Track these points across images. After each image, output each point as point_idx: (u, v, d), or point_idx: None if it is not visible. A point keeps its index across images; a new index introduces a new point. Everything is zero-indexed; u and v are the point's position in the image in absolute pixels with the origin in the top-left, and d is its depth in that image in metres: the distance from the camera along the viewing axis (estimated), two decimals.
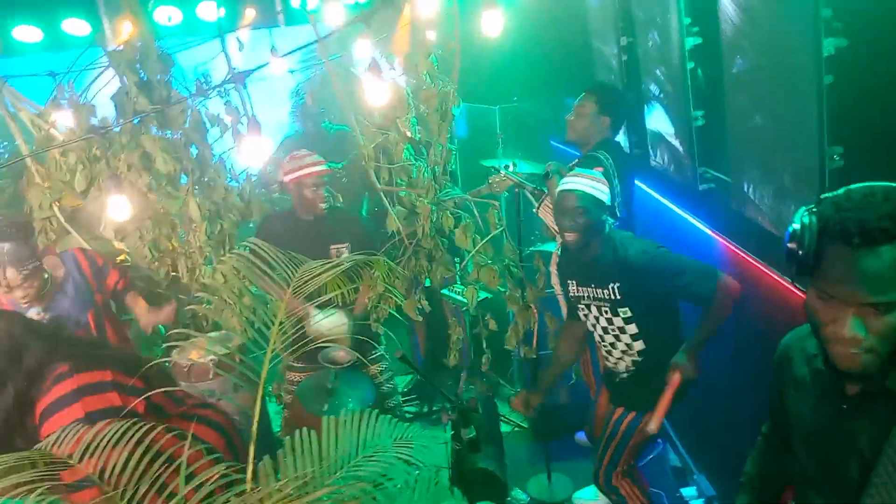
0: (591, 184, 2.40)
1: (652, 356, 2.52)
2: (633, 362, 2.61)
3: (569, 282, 2.66)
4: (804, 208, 1.13)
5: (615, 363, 2.67)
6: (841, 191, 1.10)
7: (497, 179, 3.31)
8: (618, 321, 2.54)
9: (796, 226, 1.11)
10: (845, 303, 1.06)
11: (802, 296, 2.04)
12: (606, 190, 2.42)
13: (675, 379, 2.38)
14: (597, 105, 3.03)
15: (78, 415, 1.68)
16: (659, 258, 2.38)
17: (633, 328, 2.52)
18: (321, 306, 2.49)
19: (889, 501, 1.08)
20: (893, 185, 1.06)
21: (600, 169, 2.53)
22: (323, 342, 2.53)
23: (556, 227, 3.07)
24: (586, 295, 2.59)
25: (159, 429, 1.54)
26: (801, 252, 1.09)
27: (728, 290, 2.31)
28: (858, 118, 1.67)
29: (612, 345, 2.61)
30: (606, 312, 2.55)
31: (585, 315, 2.66)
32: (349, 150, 4.35)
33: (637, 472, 2.83)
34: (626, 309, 2.48)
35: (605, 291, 2.49)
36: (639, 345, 2.55)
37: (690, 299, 2.44)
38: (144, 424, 1.61)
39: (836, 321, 1.08)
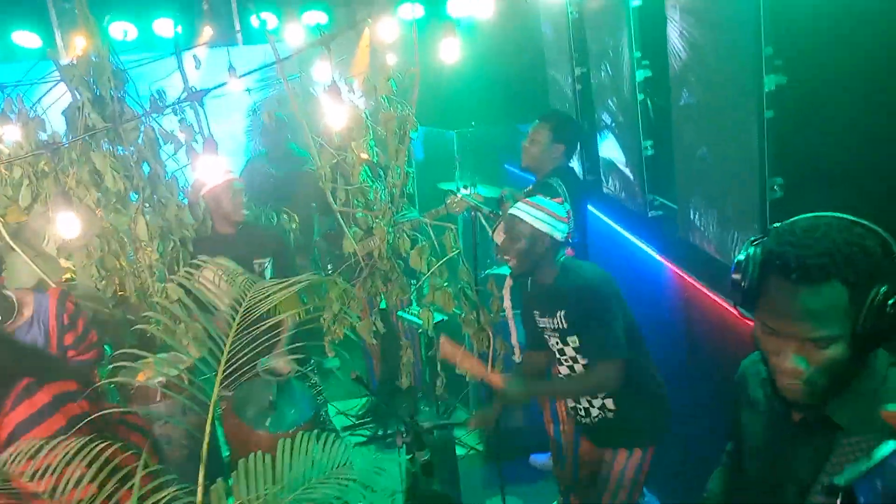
0: (538, 215, 2.37)
1: (623, 387, 2.39)
2: (603, 397, 2.51)
3: (534, 312, 2.62)
4: (751, 239, 1.14)
5: (576, 400, 2.60)
6: (787, 223, 1.11)
7: (454, 201, 3.34)
8: (569, 350, 2.51)
9: (741, 257, 1.12)
10: (786, 336, 1.08)
11: (745, 320, 2.13)
12: (559, 224, 2.38)
13: (494, 382, 2.49)
14: (551, 132, 3.07)
15: (60, 423, 1.68)
16: (592, 298, 2.32)
17: (583, 359, 2.48)
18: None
19: None
20: (838, 218, 1.07)
21: (560, 200, 2.50)
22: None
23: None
24: (545, 325, 2.56)
25: (112, 448, 1.51)
26: (743, 283, 1.11)
27: (611, 373, 2.29)
28: (798, 151, 1.76)
29: (570, 373, 2.56)
30: (558, 343, 2.53)
31: (551, 345, 2.62)
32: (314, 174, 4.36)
33: None
34: (574, 337, 2.44)
35: (554, 321, 2.47)
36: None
37: (582, 353, 2.43)
38: (96, 443, 1.58)
39: (779, 354, 1.10)
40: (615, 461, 2.48)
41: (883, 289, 1.01)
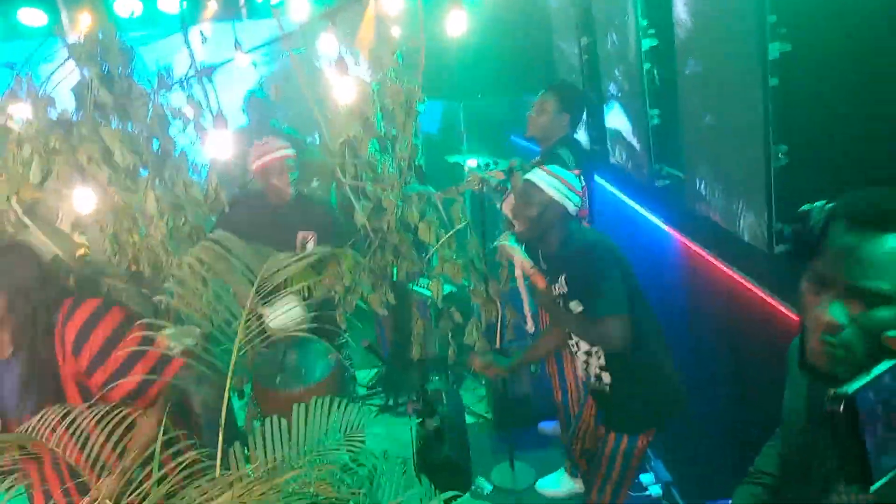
0: (553, 183, 2.36)
1: (617, 362, 2.40)
2: (601, 368, 2.49)
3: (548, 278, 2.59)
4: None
5: (585, 367, 2.57)
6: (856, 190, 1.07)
7: (474, 179, 3.36)
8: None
9: (807, 207, 1.10)
10: (832, 285, 1.02)
11: (752, 288, 2.16)
12: (573, 195, 2.36)
13: (482, 364, 2.62)
14: (558, 102, 3.08)
15: (116, 321, 1.86)
16: (590, 259, 2.31)
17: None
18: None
19: None
20: None
21: (577, 172, 2.48)
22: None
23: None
24: (555, 292, 2.55)
25: (135, 415, 1.58)
26: (806, 227, 1.08)
27: (613, 330, 2.21)
28: (802, 118, 1.77)
29: (576, 344, 2.55)
30: (563, 305, 2.48)
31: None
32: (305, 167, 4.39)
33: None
34: (576, 302, 2.40)
35: (558, 286, 2.46)
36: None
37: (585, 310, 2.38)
38: (119, 410, 1.65)
39: (819, 305, 1.03)
40: (608, 442, 2.46)
41: None
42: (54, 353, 1.85)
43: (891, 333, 0.93)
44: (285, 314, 2.94)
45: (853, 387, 0.85)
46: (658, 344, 2.41)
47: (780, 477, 1.39)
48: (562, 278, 2.43)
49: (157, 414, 1.84)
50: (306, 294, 2.03)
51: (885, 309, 0.98)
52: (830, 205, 1.07)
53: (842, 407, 0.85)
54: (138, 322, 1.93)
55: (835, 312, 1.01)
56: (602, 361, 2.45)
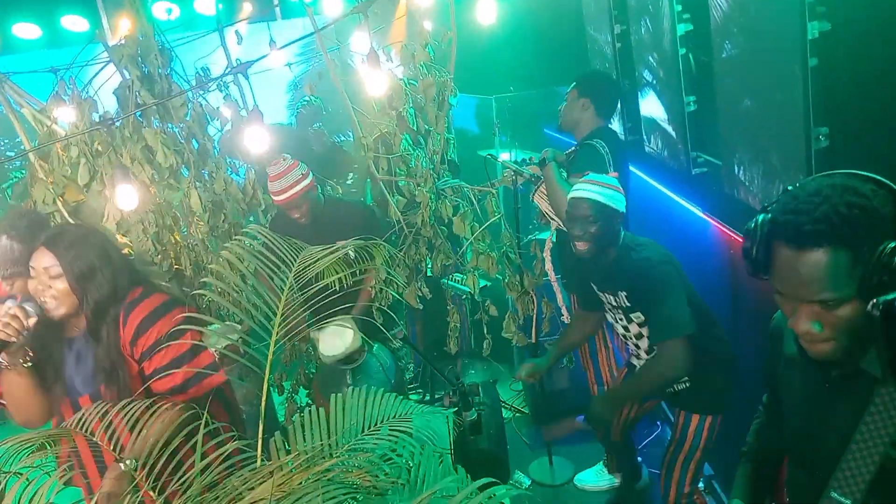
0: (604, 192, 2.35)
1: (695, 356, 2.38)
2: None
3: (592, 284, 2.63)
4: (763, 205, 1.17)
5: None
6: (797, 185, 1.13)
7: (509, 175, 3.34)
8: (633, 327, 2.53)
9: (750, 225, 1.15)
10: (796, 300, 1.11)
11: None
12: (621, 197, 2.37)
13: (528, 374, 2.63)
14: (587, 94, 3.03)
15: (171, 324, 1.89)
16: (654, 276, 2.31)
17: (647, 331, 2.49)
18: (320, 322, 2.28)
19: (859, 475, 1.12)
20: (848, 176, 1.08)
21: (615, 174, 2.49)
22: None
23: (550, 214, 3.12)
24: (605, 300, 2.59)
25: (177, 408, 1.62)
26: (752, 250, 1.14)
27: (667, 357, 2.29)
28: (842, 99, 1.72)
29: (636, 347, 2.60)
30: (622, 319, 2.54)
31: (611, 316, 2.65)
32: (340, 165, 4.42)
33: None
34: (639, 313, 2.45)
35: (617, 298, 2.48)
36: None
37: (648, 333, 2.45)
38: (161, 404, 1.69)
39: (793, 316, 1.13)
40: (691, 421, 2.48)
41: (891, 245, 1.00)
42: (118, 339, 1.92)
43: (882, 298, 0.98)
44: (333, 340, 2.99)
45: (890, 296, 0.95)
46: (720, 334, 2.45)
47: (793, 456, 1.43)
48: (622, 295, 2.45)
49: (191, 408, 1.88)
50: (338, 287, 2.04)
51: (847, 306, 1.07)
52: (766, 217, 1.13)
53: (880, 312, 0.94)
54: (185, 315, 1.97)
55: (809, 324, 1.11)
56: None
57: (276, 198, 3.02)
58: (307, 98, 4.57)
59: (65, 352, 1.98)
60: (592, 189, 2.35)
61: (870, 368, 1.15)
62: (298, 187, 2.99)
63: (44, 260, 1.85)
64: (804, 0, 1.63)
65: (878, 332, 0.95)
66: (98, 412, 1.69)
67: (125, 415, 1.69)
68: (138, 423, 1.69)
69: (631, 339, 2.59)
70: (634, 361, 2.68)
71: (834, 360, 1.15)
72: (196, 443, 1.52)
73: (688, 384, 2.45)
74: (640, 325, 2.50)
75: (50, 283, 1.85)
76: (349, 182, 4.70)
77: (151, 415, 1.70)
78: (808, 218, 1.05)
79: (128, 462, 1.66)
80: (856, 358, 1.15)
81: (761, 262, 1.13)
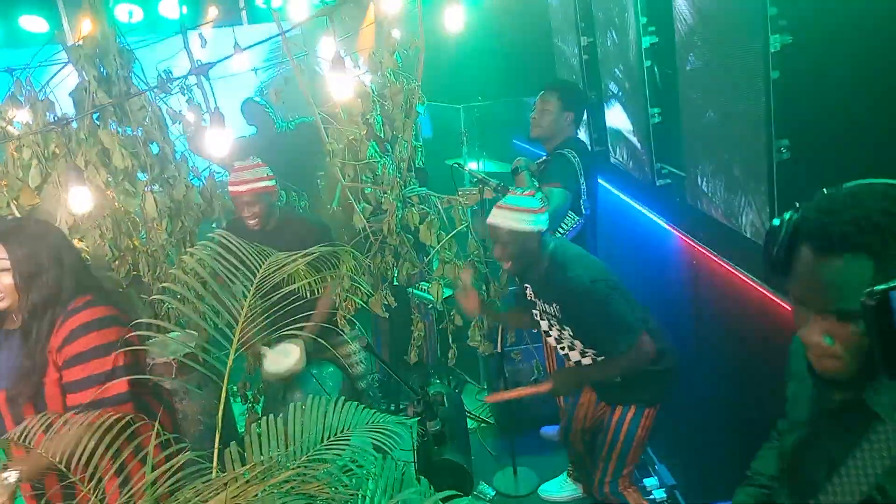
0: (516, 216, 2.38)
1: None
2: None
3: (525, 286, 2.69)
4: (795, 205, 1.09)
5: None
6: (836, 188, 1.05)
7: (466, 193, 3.34)
8: (566, 334, 2.57)
9: (775, 222, 1.08)
10: (812, 309, 1.05)
11: (756, 287, 2.13)
12: (537, 217, 2.38)
13: (542, 388, 2.55)
14: (560, 101, 3.07)
15: (112, 338, 1.85)
16: (591, 295, 2.34)
17: (579, 344, 2.56)
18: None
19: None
20: (890, 185, 1.01)
21: (531, 193, 2.48)
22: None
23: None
24: (538, 306, 2.63)
25: (126, 418, 1.56)
26: (773, 251, 1.07)
27: (640, 354, 2.35)
28: (804, 111, 1.74)
29: (568, 352, 2.64)
30: (556, 325, 2.59)
31: (540, 319, 2.68)
32: (314, 141, 4.34)
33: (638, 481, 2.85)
34: (570, 328, 2.51)
35: (551, 307, 2.53)
36: (592, 353, 2.57)
37: (601, 350, 2.50)
38: (108, 414, 1.63)
39: (805, 326, 1.06)
40: (614, 412, 2.57)
41: None
42: (47, 342, 1.87)
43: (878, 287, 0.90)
44: (278, 359, 2.95)
45: (884, 286, 0.87)
46: (652, 326, 2.48)
47: (781, 476, 1.37)
48: (555, 306, 2.50)
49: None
50: (308, 294, 2.00)
51: (861, 323, 0.96)
52: (795, 216, 1.06)
53: (874, 303, 0.86)
54: (134, 322, 1.91)
55: (821, 336, 1.04)
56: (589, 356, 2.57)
57: (232, 188, 2.99)
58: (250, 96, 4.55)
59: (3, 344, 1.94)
60: (506, 216, 2.40)
61: (872, 403, 1.08)
62: (257, 185, 2.96)
63: None
64: (766, 13, 1.66)
65: (871, 323, 0.88)
66: (38, 427, 1.62)
67: (41, 425, 1.63)
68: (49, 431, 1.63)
69: (564, 344, 2.64)
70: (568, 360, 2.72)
71: (839, 381, 1.08)
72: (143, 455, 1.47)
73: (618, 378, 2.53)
74: (571, 336, 2.55)
75: None
76: (321, 185, 4.64)
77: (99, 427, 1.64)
78: (838, 219, 0.98)
79: (8, 475, 1.61)
80: (861, 385, 1.07)
81: (781, 262, 1.06)
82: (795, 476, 1.28)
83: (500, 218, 2.41)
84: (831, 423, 1.18)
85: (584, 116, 3.22)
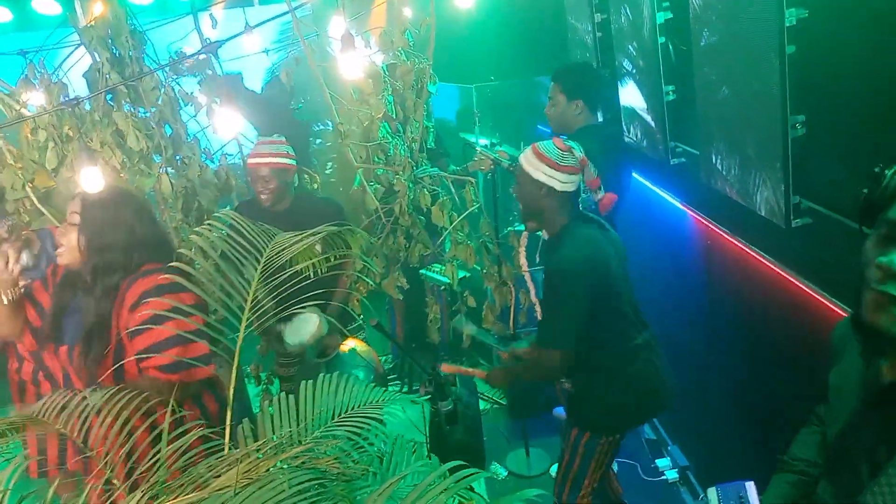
0: (534, 162, 2.23)
1: (576, 369, 2.30)
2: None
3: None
4: None
5: None
6: None
7: (479, 160, 3.30)
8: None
9: (879, 169, 1.04)
10: None
11: (771, 266, 2.10)
12: (562, 173, 2.21)
13: (477, 373, 2.56)
14: (564, 92, 2.96)
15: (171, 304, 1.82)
16: (557, 280, 2.21)
17: None
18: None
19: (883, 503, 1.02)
20: None
21: (567, 148, 2.29)
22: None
23: None
24: None
25: (143, 396, 1.58)
26: (877, 189, 1.03)
27: (547, 361, 2.25)
28: (820, 87, 1.71)
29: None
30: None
31: None
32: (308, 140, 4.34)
33: (613, 481, 2.79)
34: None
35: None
36: None
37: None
38: (128, 392, 1.65)
39: (887, 254, 0.99)
40: (571, 434, 2.45)
41: None
42: (112, 304, 1.91)
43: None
44: (299, 328, 2.95)
45: None
46: (622, 348, 2.33)
47: (824, 463, 1.32)
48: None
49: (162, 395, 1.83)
50: (319, 273, 2.00)
51: None
52: None
53: None
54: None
55: None
56: None
57: (251, 160, 3.00)
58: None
59: (73, 301, 2.01)
60: (528, 157, 2.27)
61: None
62: (275, 160, 2.98)
63: (73, 205, 1.97)
64: None
65: None
66: (57, 403, 1.64)
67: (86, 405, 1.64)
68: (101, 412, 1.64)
69: None
70: None
71: (893, 335, 1.00)
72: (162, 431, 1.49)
73: (573, 390, 2.48)
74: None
75: (67, 230, 1.94)
76: (328, 171, 4.65)
77: (116, 404, 1.65)
78: None
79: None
80: None
81: (880, 204, 1.02)
82: (837, 471, 1.22)
83: (522, 157, 2.28)
84: (875, 413, 1.12)
85: (599, 98, 3.10)
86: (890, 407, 1.09)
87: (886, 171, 1.03)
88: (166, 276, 1.85)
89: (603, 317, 2.24)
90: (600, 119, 3.12)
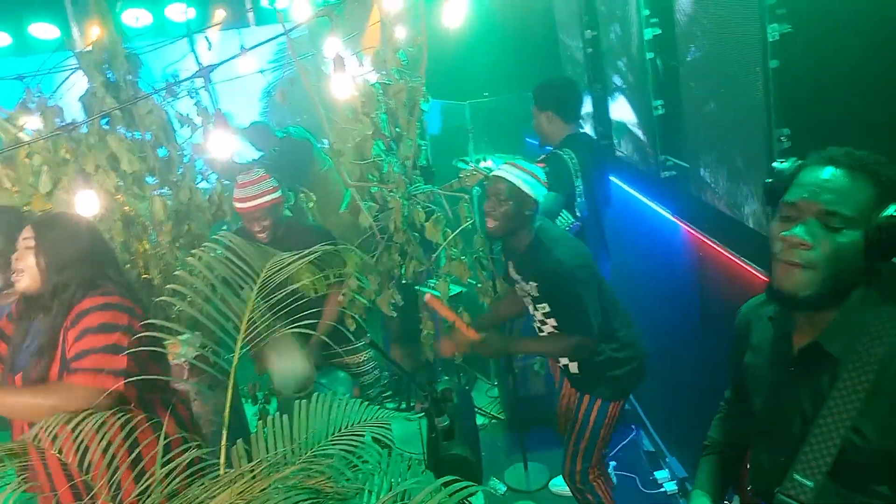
0: (523, 176, 2.40)
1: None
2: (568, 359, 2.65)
3: (508, 262, 2.72)
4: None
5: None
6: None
7: (467, 174, 3.34)
8: (539, 315, 2.61)
9: (777, 163, 1.26)
10: (800, 210, 1.15)
11: (760, 276, 2.12)
12: (541, 187, 2.42)
13: (473, 336, 2.57)
14: (546, 107, 3.09)
15: (124, 321, 1.90)
16: (571, 278, 2.37)
17: (553, 322, 2.58)
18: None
19: (821, 456, 1.15)
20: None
21: (542, 165, 2.55)
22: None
23: None
24: (519, 283, 2.66)
25: (137, 418, 1.59)
26: (778, 177, 1.23)
27: (580, 348, 2.46)
28: (804, 100, 1.73)
29: (540, 330, 2.67)
30: (531, 304, 2.62)
31: (524, 300, 2.72)
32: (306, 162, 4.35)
33: (606, 473, 2.86)
34: (545, 305, 2.54)
35: (528, 287, 2.55)
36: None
37: (557, 324, 2.54)
38: (122, 414, 1.66)
39: (789, 230, 1.15)
40: (582, 402, 2.62)
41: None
42: (62, 322, 1.93)
43: None
44: (285, 368, 2.95)
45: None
46: (620, 326, 2.55)
47: (752, 434, 1.44)
48: (532, 284, 2.52)
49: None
50: (312, 293, 2.02)
51: (845, 234, 1.11)
52: (800, 161, 1.23)
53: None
54: (145, 322, 1.93)
55: (803, 233, 1.13)
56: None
57: (239, 205, 2.97)
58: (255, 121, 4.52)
59: (32, 326, 2.02)
60: (512, 172, 2.41)
61: (827, 346, 1.18)
62: (264, 199, 2.95)
63: (25, 231, 2.00)
64: (764, 2, 1.65)
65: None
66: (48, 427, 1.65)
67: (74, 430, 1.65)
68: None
69: (536, 321, 2.68)
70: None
71: (800, 298, 1.16)
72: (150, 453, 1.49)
73: (578, 371, 2.61)
74: (544, 314, 2.59)
75: (23, 255, 1.96)
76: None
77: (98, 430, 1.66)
78: (850, 148, 1.18)
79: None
80: (822, 301, 1.16)
81: (782, 187, 1.21)
82: (769, 436, 1.35)
83: (507, 173, 2.42)
84: (795, 380, 1.26)
85: (581, 106, 3.18)
86: (807, 368, 1.23)
87: (782, 164, 1.25)
88: (114, 298, 1.93)
89: (603, 297, 2.48)
90: (582, 130, 3.22)
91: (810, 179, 1.17)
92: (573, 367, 2.63)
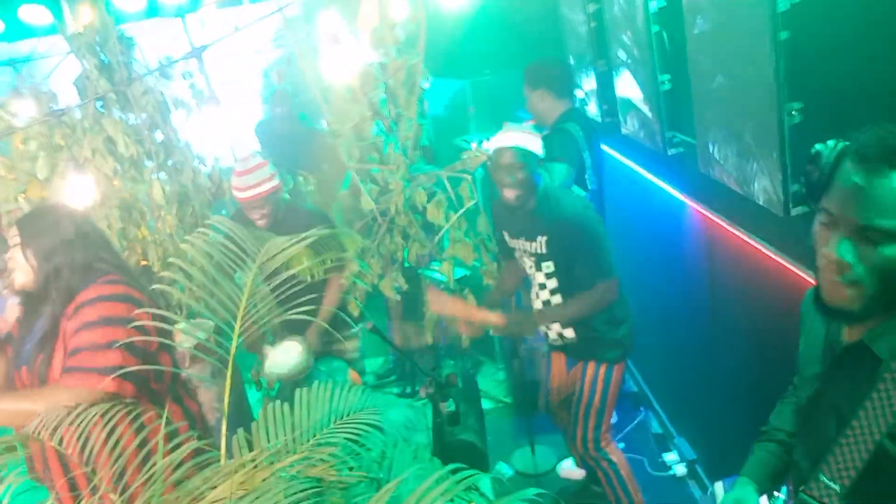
0: (525, 138, 2.44)
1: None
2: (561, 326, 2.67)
3: (504, 232, 2.71)
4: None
5: (545, 331, 2.75)
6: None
7: (470, 155, 3.29)
8: (540, 277, 2.61)
9: (819, 147, 1.10)
10: (840, 223, 1.04)
11: (770, 255, 2.07)
12: (538, 142, 2.47)
13: (494, 320, 2.54)
14: (537, 85, 3.09)
15: (122, 312, 1.86)
16: (586, 224, 2.44)
17: (553, 283, 2.59)
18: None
19: (851, 461, 1.08)
20: None
21: (530, 122, 2.60)
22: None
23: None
24: (518, 247, 2.66)
25: (137, 410, 1.56)
26: (816, 170, 1.09)
27: (605, 293, 2.46)
28: (815, 72, 1.67)
29: (539, 291, 2.66)
30: (532, 266, 2.62)
31: (524, 265, 2.71)
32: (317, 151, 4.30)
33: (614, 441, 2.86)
34: (550, 263, 2.55)
35: (534, 245, 2.55)
36: (556, 299, 2.61)
37: (577, 275, 2.52)
38: (122, 406, 1.63)
39: (829, 244, 1.05)
40: (587, 369, 2.66)
41: None
42: (61, 313, 1.89)
43: None
44: (281, 358, 2.92)
45: None
46: (621, 291, 2.57)
47: (799, 432, 1.37)
48: (541, 240, 2.52)
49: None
50: (309, 278, 1.97)
51: (893, 246, 1.00)
52: (842, 144, 1.07)
53: None
54: (142, 310, 1.89)
55: (844, 252, 1.03)
56: (558, 326, 2.65)
57: (238, 194, 2.92)
58: (278, 86, 4.46)
59: (36, 322, 1.97)
60: (516, 135, 2.45)
61: (873, 346, 1.10)
62: (263, 187, 2.89)
63: (11, 231, 1.97)
64: None
65: None
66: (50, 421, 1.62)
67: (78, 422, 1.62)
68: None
69: (535, 287, 2.67)
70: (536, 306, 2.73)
71: (847, 313, 1.07)
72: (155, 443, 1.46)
73: (575, 336, 2.62)
74: (547, 275, 2.58)
75: (13, 253, 1.93)
76: (325, 168, 4.59)
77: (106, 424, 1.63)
78: (872, 141, 1.01)
79: None
80: (872, 313, 1.06)
81: (820, 183, 1.08)
82: (809, 431, 1.29)
83: (510, 138, 2.43)
84: (838, 373, 1.19)
85: (572, 81, 3.17)
86: (850, 366, 1.15)
87: (822, 151, 1.09)
88: (111, 286, 1.89)
89: None
90: (577, 105, 3.24)
91: (843, 183, 1.04)
92: (569, 334, 2.63)
